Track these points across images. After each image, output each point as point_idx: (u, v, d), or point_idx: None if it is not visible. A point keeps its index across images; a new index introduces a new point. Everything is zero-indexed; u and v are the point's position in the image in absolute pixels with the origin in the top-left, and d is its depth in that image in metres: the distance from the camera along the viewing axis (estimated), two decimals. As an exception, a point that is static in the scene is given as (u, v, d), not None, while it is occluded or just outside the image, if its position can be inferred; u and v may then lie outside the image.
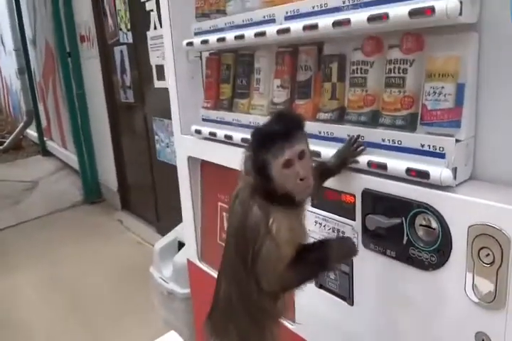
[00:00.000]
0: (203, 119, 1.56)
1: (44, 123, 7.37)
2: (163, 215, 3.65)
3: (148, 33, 3.24)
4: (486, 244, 0.75)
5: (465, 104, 0.84)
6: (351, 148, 0.98)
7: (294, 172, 0.79)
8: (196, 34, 1.51)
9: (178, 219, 3.08)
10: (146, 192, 3.81)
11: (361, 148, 0.97)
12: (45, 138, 7.41)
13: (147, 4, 3.18)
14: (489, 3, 0.82)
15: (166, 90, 3.10)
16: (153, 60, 3.26)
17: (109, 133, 4.41)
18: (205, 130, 1.51)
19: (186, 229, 1.77)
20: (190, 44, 1.51)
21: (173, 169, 3.24)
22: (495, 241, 0.74)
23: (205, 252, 1.69)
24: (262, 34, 1.20)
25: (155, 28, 3.15)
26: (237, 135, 1.36)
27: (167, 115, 3.24)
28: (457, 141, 0.83)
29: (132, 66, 3.74)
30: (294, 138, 0.79)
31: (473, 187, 0.83)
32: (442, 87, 0.85)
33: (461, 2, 0.79)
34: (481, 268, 0.77)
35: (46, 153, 7.32)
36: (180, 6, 1.61)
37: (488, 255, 0.75)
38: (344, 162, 0.98)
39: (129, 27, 3.63)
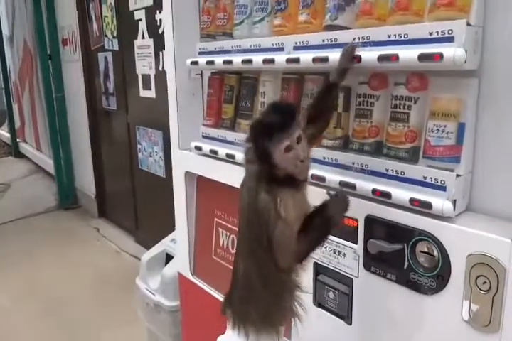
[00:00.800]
0: (203, 136, 1.60)
1: (18, 124, 7.20)
2: (143, 225, 3.64)
3: (135, 41, 3.26)
4: (483, 273, 0.83)
5: (465, 142, 0.92)
6: (348, 56, 1.03)
7: (295, 155, 0.88)
8: (200, 53, 1.56)
9: (158, 229, 3.10)
10: (126, 200, 3.79)
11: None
12: (18, 140, 7.23)
13: (136, 13, 3.20)
14: (488, 53, 0.91)
15: (151, 100, 3.16)
16: (140, 69, 3.27)
17: (88, 138, 4.37)
18: (206, 147, 1.56)
19: (179, 243, 1.80)
20: (194, 63, 1.56)
21: (155, 179, 3.28)
22: (491, 270, 0.81)
23: (198, 267, 1.72)
24: (271, 61, 1.26)
25: (143, 37, 3.17)
26: (240, 155, 1.41)
27: (151, 124, 3.28)
28: (457, 175, 0.91)
29: (117, 73, 3.73)
30: (290, 126, 0.88)
31: (470, 218, 0.91)
32: (445, 126, 0.93)
33: (466, 51, 0.87)
34: (478, 294, 0.84)
35: (18, 154, 7.14)
36: (184, 24, 1.66)
37: (484, 283, 0.83)
38: (344, 69, 1.03)
39: (115, 34, 3.63)
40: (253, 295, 0.94)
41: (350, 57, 1.02)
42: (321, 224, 0.91)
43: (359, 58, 1.03)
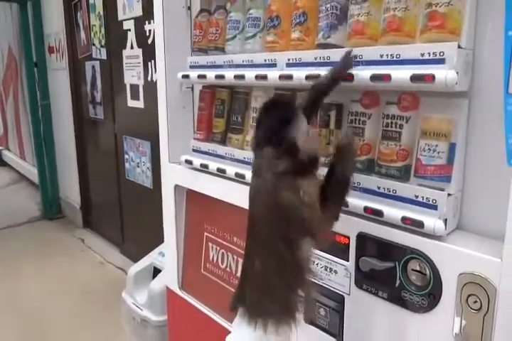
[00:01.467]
0: (194, 150, 1.60)
1: (0, 131, 7.09)
2: (129, 236, 3.60)
3: (124, 51, 3.25)
4: (474, 292, 0.84)
5: (455, 162, 0.94)
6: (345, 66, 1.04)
7: (315, 135, 0.94)
8: (192, 67, 1.57)
9: (144, 241, 3.07)
10: (112, 211, 3.74)
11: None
12: (0, 147, 7.11)
13: (125, 23, 3.20)
14: (478, 75, 0.93)
15: (139, 110, 3.15)
16: (128, 79, 3.26)
17: (74, 147, 4.33)
18: (197, 161, 1.55)
19: (168, 257, 1.78)
20: (186, 76, 1.56)
21: (142, 189, 3.25)
22: (482, 289, 0.83)
23: (186, 281, 1.71)
24: (264, 77, 1.27)
25: (131, 47, 3.17)
26: (231, 169, 1.41)
27: (139, 135, 3.27)
28: (448, 194, 0.92)
29: (104, 82, 3.72)
30: (297, 113, 0.90)
31: (461, 237, 0.93)
32: (436, 145, 0.94)
33: (457, 73, 0.89)
34: (469, 313, 0.85)
35: (1, 162, 7.01)
36: (176, 37, 1.66)
37: (475, 302, 0.84)
38: (339, 75, 1.04)
39: (103, 43, 3.62)
40: (270, 287, 0.94)
41: (349, 63, 1.04)
42: (338, 191, 0.93)
43: (352, 76, 1.04)
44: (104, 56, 3.62)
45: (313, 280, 0.97)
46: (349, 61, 1.04)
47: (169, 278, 1.77)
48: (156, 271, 2.05)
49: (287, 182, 0.88)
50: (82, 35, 3.93)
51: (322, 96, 1.07)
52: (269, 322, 0.92)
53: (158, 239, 2.05)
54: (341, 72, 1.04)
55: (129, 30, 3.15)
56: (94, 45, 3.74)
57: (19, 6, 4.55)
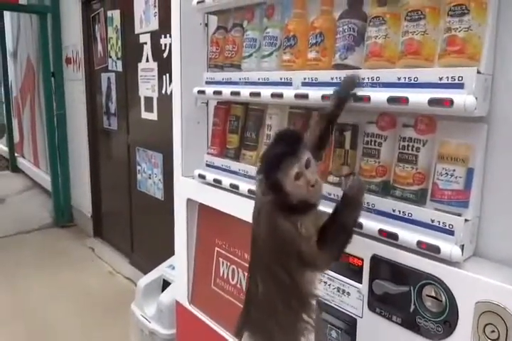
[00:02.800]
0: (207, 165, 1.61)
1: (16, 138, 7.20)
2: (139, 247, 3.60)
3: (139, 64, 3.29)
4: (492, 321, 0.82)
5: (473, 187, 0.93)
6: (348, 88, 1.06)
7: (305, 181, 0.90)
8: (208, 83, 1.58)
9: (154, 253, 3.08)
10: (122, 221, 3.76)
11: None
12: (16, 154, 7.21)
13: (141, 36, 3.25)
14: (497, 100, 0.93)
15: (152, 122, 3.18)
16: (142, 92, 3.30)
17: (87, 157, 4.37)
18: (210, 176, 1.56)
19: (178, 270, 1.78)
20: (201, 92, 1.57)
21: (153, 201, 3.26)
22: (500, 319, 0.81)
23: (196, 296, 1.70)
24: (279, 95, 1.27)
25: (147, 60, 3.21)
26: (244, 185, 1.42)
27: (152, 146, 3.29)
28: (466, 220, 0.91)
29: (119, 94, 3.76)
30: (297, 152, 0.90)
31: (478, 264, 0.91)
32: (454, 170, 0.94)
33: (476, 98, 0.88)
34: (487, 343, 0.83)
35: (16, 169, 7.11)
36: (192, 52, 1.69)
37: (493, 331, 0.82)
38: (343, 100, 1.06)
39: (119, 56, 3.67)
40: (274, 312, 0.95)
41: (352, 85, 1.05)
42: (339, 230, 0.92)
43: (368, 98, 1.04)
44: (119, 68, 3.67)
45: (317, 304, 0.98)
46: (351, 83, 1.06)
47: (179, 292, 1.77)
48: (166, 284, 2.05)
49: (286, 219, 0.90)
50: (99, 47, 3.99)
51: (332, 123, 1.09)
52: None
53: (168, 251, 2.05)
54: (345, 96, 1.06)
55: (145, 43, 3.20)
56: (110, 57, 3.80)
57: (39, 18, 4.65)
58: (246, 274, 1.51)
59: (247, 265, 1.49)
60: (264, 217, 0.95)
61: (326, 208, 1.12)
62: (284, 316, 0.94)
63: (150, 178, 3.33)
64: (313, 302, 0.97)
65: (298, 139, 0.94)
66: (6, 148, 7.49)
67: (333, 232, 0.92)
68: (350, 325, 1.09)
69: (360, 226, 1.05)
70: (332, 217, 0.93)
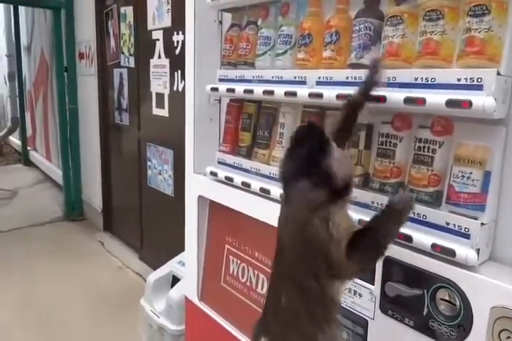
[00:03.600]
0: (219, 162, 1.61)
1: (29, 132, 7.26)
2: (148, 242, 3.62)
3: (151, 60, 3.30)
4: (508, 327, 0.81)
5: (490, 190, 0.91)
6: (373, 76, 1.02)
7: (349, 157, 0.94)
8: (221, 80, 1.57)
9: (163, 248, 3.09)
10: (132, 216, 3.78)
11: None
12: (28, 148, 7.27)
13: (153, 33, 3.25)
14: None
15: (164, 118, 3.19)
16: (154, 88, 3.30)
17: (98, 151, 4.39)
18: (221, 173, 1.56)
19: (188, 267, 1.78)
20: (214, 89, 1.57)
21: (163, 197, 3.28)
22: (516, 325, 0.80)
23: (205, 293, 1.71)
24: (293, 94, 1.27)
25: (159, 56, 3.21)
26: (256, 183, 1.41)
27: (162, 143, 3.30)
28: (482, 224, 0.90)
29: (131, 90, 3.77)
30: (329, 140, 0.89)
31: (494, 268, 0.90)
32: (471, 173, 0.92)
33: (495, 99, 0.87)
34: (502, 349, 0.82)
35: (28, 162, 7.17)
36: (206, 50, 1.68)
37: (509, 337, 0.81)
38: (369, 87, 1.02)
39: (131, 52, 3.68)
40: (297, 323, 0.91)
41: (376, 70, 1.02)
42: (371, 244, 0.86)
43: (384, 98, 1.03)
44: (132, 64, 3.68)
45: (339, 317, 0.94)
46: (376, 69, 1.03)
47: (189, 288, 1.77)
48: (175, 280, 2.06)
49: (320, 217, 0.85)
50: (112, 43, 4.00)
51: (355, 116, 1.05)
52: None
53: (177, 247, 2.06)
54: (372, 83, 1.03)
55: (158, 40, 3.19)
56: (123, 53, 3.81)
57: (53, 13, 4.68)
58: (257, 273, 1.51)
59: (257, 263, 1.51)
60: (295, 224, 0.90)
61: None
62: (305, 327, 0.91)
63: (160, 174, 3.34)
64: (338, 315, 0.93)
65: (322, 131, 0.91)
66: (18, 142, 7.55)
67: (368, 242, 0.85)
68: (361, 327, 1.08)
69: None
70: (369, 226, 0.87)
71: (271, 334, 0.95)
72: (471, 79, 0.90)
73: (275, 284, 0.97)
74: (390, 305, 1.02)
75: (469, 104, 0.88)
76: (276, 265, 0.96)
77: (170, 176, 3.21)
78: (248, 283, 1.55)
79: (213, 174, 1.60)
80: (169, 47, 3.02)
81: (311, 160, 0.86)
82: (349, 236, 0.85)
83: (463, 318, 0.88)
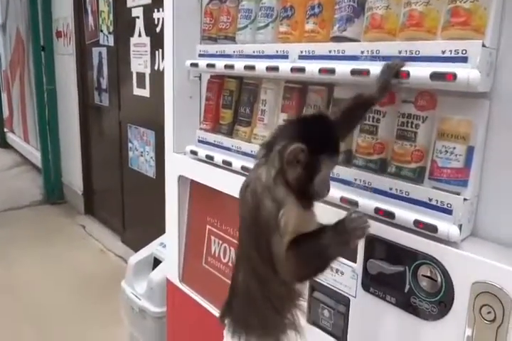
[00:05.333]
0: (199, 141, 1.57)
1: (6, 113, 7.07)
2: (130, 225, 3.58)
3: (131, 38, 3.21)
4: (489, 302, 0.81)
5: (473, 165, 0.90)
6: (392, 71, 0.94)
7: (327, 174, 0.87)
8: (201, 56, 1.52)
9: (145, 231, 3.06)
10: (114, 199, 3.72)
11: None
12: (5, 130, 7.09)
13: (133, 10, 3.15)
14: (500, 76, 0.89)
15: (144, 99, 3.12)
16: (134, 67, 3.22)
17: (78, 133, 4.30)
18: (202, 152, 1.52)
19: (169, 248, 1.76)
20: (194, 65, 1.52)
21: (144, 179, 3.22)
22: (497, 300, 0.79)
23: (187, 274, 1.68)
24: (275, 69, 1.22)
25: (139, 35, 3.12)
26: (237, 162, 1.38)
27: (143, 123, 3.23)
28: (464, 199, 0.88)
29: (111, 69, 3.68)
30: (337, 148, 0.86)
31: (476, 244, 0.89)
32: (454, 148, 0.91)
33: (480, 72, 0.85)
34: (482, 324, 0.82)
35: (5, 144, 7.00)
36: (185, 24, 1.62)
37: (489, 312, 0.80)
38: (386, 86, 0.95)
39: (111, 30, 3.57)
40: (253, 304, 0.90)
41: (393, 72, 0.94)
42: (313, 248, 0.81)
43: (367, 71, 1.00)
44: (111, 43, 3.57)
45: (296, 298, 0.91)
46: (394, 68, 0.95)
47: (170, 270, 1.75)
48: (157, 262, 2.03)
49: (274, 200, 0.81)
50: (90, 20, 3.88)
51: (367, 108, 1.00)
52: (251, 338, 0.89)
53: (160, 229, 2.03)
54: (387, 81, 0.95)
55: (138, 17, 3.10)
56: (102, 31, 3.69)
57: (28, -11, 4.50)
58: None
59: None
60: (251, 194, 0.86)
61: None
62: (262, 307, 0.89)
63: (142, 156, 3.28)
64: (294, 297, 0.90)
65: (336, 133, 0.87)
66: (-6, 123, 7.36)
67: (309, 246, 0.81)
68: (343, 305, 1.07)
69: (356, 204, 1.03)
70: (315, 234, 0.82)
71: (234, 314, 0.94)
72: (455, 51, 0.87)
73: (236, 263, 0.95)
74: (372, 282, 1.01)
75: (454, 76, 0.85)
76: (238, 240, 0.94)
77: (152, 158, 3.16)
78: (230, 264, 1.53)
79: (193, 153, 1.56)
80: (150, 25, 2.94)
81: (324, 147, 0.83)
82: (295, 234, 0.81)
83: (444, 294, 0.88)
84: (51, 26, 4.51)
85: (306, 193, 0.85)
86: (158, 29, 2.85)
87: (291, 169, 0.83)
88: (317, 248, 0.82)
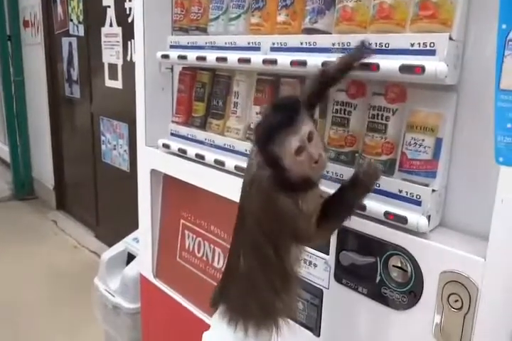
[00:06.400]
0: (172, 134, 1.55)
1: (-29, 107, 6.82)
2: (104, 220, 3.52)
3: (102, 28, 3.13)
4: (456, 291, 0.82)
5: (441, 157, 0.91)
6: (359, 53, 0.94)
7: (308, 157, 0.80)
8: (172, 47, 1.50)
9: (120, 225, 3.01)
10: (87, 193, 3.65)
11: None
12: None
13: (104, -1, 3.08)
14: (467, 68, 0.90)
15: (117, 90, 3.06)
16: (106, 58, 3.16)
17: (48, 126, 4.20)
18: (174, 145, 1.50)
19: (142, 243, 1.74)
20: (165, 56, 1.49)
21: (118, 172, 3.17)
22: (464, 288, 0.81)
23: (161, 269, 1.67)
24: (247, 61, 1.21)
25: (111, 25, 3.06)
26: (210, 155, 1.37)
27: (116, 116, 3.17)
28: (433, 190, 0.90)
29: (81, 60, 3.59)
30: (297, 122, 0.79)
31: (444, 234, 0.91)
32: (423, 140, 0.92)
33: (447, 65, 0.86)
34: (450, 312, 0.84)
35: (-30, 139, 6.77)
36: (156, 14, 1.59)
37: (457, 301, 0.82)
38: (349, 65, 0.94)
39: (81, 19, 3.48)
40: (254, 290, 0.91)
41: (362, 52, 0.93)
42: (340, 210, 0.88)
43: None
44: (81, 33, 3.49)
45: (298, 284, 0.94)
46: (364, 51, 0.95)
47: (143, 265, 1.73)
48: (130, 257, 2.01)
49: (287, 196, 0.83)
50: (59, 9, 3.77)
51: (330, 85, 0.97)
52: (250, 324, 0.89)
53: (134, 224, 2.00)
54: (354, 60, 0.94)
55: (109, 6, 3.03)
56: (71, 20, 3.60)
57: (-8, -25, 4.34)
58: (213, 247, 1.48)
59: (213, 237, 1.48)
60: (260, 191, 0.86)
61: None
62: (264, 294, 0.90)
63: (115, 149, 3.23)
64: (296, 282, 0.93)
65: (297, 108, 0.82)
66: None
67: (336, 213, 0.87)
68: (316, 297, 1.08)
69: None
70: (337, 198, 0.87)
71: (230, 300, 0.94)
72: (424, 44, 0.88)
73: (235, 251, 0.95)
74: (344, 274, 1.02)
75: (422, 69, 0.86)
76: (238, 231, 0.94)
77: (125, 151, 3.11)
78: (204, 258, 1.52)
79: (166, 146, 1.54)
80: (121, 14, 2.88)
81: (268, 142, 0.80)
82: (318, 209, 0.84)
83: (414, 284, 0.89)
84: (18, 15, 4.38)
85: (301, 182, 0.84)
86: (130, 19, 2.79)
87: (276, 171, 0.83)
88: (343, 208, 0.88)
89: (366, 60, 0.94)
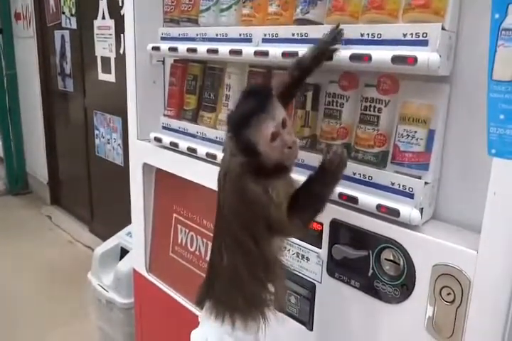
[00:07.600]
0: (164, 127, 1.53)
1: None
2: (98, 214, 3.51)
3: (95, 21, 3.10)
4: (448, 284, 0.82)
5: (434, 149, 0.90)
6: (330, 40, 0.95)
7: (282, 143, 0.82)
8: (163, 39, 1.48)
9: (114, 220, 3.00)
10: (81, 188, 3.63)
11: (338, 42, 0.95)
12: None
13: (96, -9, 3.03)
14: (460, 59, 0.89)
15: (110, 84, 3.02)
16: (99, 51, 3.12)
17: (41, 120, 4.16)
18: (166, 139, 1.48)
19: (135, 238, 1.72)
20: (156, 49, 1.47)
21: (112, 166, 3.15)
22: (456, 281, 0.80)
23: (154, 264, 1.66)
24: (238, 52, 1.19)
25: (103, 17, 3.02)
26: (202, 149, 1.35)
27: (110, 110, 3.14)
28: (425, 183, 0.89)
29: (74, 54, 3.55)
30: (271, 109, 0.82)
31: (436, 227, 0.90)
32: (415, 132, 0.91)
33: (440, 55, 0.84)
34: (442, 305, 0.83)
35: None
36: (146, 6, 1.56)
37: (449, 294, 0.82)
38: (322, 53, 0.95)
39: (73, 12, 3.44)
40: (239, 283, 0.91)
41: (335, 39, 0.94)
42: (309, 197, 0.87)
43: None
44: (74, 25, 3.45)
45: (283, 274, 0.94)
46: (336, 37, 0.96)
47: (136, 260, 1.72)
48: (124, 252, 1.99)
49: (254, 181, 0.83)
50: (51, 1, 3.72)
51: (304, 76, 0.99)
52: (237, 317, 0.88)
53: (129, 218, 1.99)
54: (326, 49, 0.96)
55: (101, -2, 2.99)
56: (63, 13, 3.55)
57: (-18, -33, 4.27)
58: (205, 241, 1.47)
59: (206, 232, 1.47)
60: (232, 181, 0.87)
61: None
62: (249, 286, 0.90)
63: (109, 143, 3.20)
64: (280, 272, 0.93)
65: (269, 95, 0.85)
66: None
67: (305, 202, 0.86)
68: (309, 291, 1.08)
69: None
70: (306, 187, 0.87)
71: (215, 297, 0.93)
72: (416, 34, 0.87)
73: (217, 244, 0.94)
74: (337, 267, 1.01)
75: (414, 60, 0.85)
76: (217, 224, 0.94)
77: (119, 145, 3.09)
78: (197, 252, 1.51)
79: (158, 140, 1.52)
80: (114, 6, 2.85)
81: (243, 128, 0.81)
82: (288, 198, 0.84)
83: (406, 277, 0.89)
84: (9, 7, 4.33)
85: (274, 167, 0.85)
86: (122, 11, 2.75)
87: (240, 158, 0.84)
88: (313, 198, 0.87)
89: (338, 46, 0.94)
